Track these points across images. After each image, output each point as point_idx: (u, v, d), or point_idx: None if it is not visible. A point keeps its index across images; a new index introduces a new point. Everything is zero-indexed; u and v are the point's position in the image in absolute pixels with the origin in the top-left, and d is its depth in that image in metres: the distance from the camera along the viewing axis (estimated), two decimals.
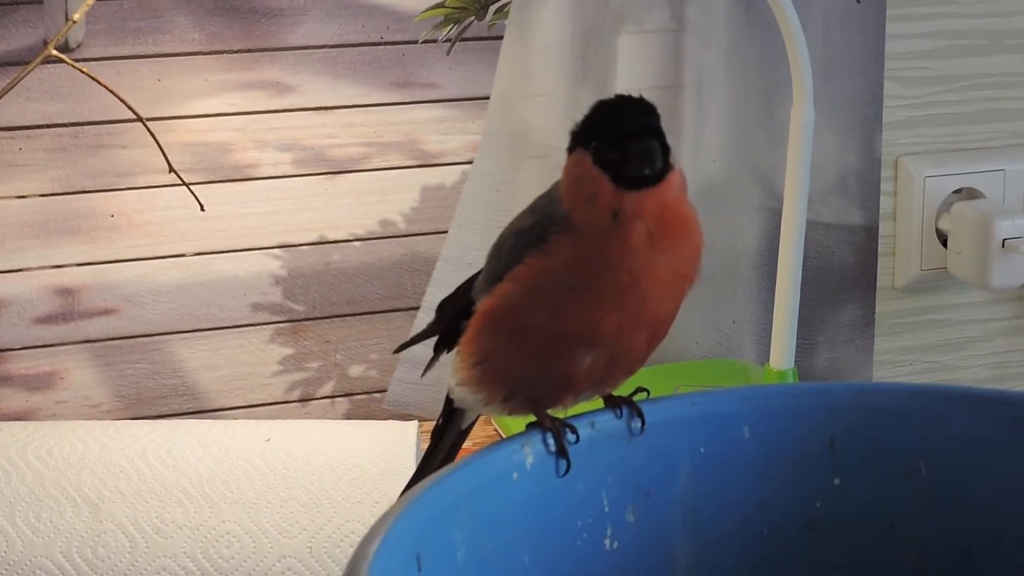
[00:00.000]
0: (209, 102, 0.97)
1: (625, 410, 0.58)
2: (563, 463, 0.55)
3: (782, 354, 0.97)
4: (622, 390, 0.59)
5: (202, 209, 0.86)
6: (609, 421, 0.58)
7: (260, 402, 1.02)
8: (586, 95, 1.02)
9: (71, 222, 0.96)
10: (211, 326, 1.00)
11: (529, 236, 0.55)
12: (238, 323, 1.01)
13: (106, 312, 0.98)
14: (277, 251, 1.01)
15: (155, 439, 0.86)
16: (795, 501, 0.60)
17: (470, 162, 1.02)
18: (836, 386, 0.60)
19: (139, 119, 0.81)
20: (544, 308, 0.54)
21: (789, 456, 0.60)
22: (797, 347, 0.97)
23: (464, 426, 0.64)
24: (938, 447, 0.60)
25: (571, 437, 0.56)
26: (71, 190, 0.96)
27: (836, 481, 0.61)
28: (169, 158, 0.92)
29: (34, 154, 0.95)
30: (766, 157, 1.07)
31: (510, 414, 0.58)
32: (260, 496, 0.82)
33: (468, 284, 0.61)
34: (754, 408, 0.60)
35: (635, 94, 0.55)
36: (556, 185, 0.58)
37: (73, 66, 0.78)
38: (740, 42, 1.04)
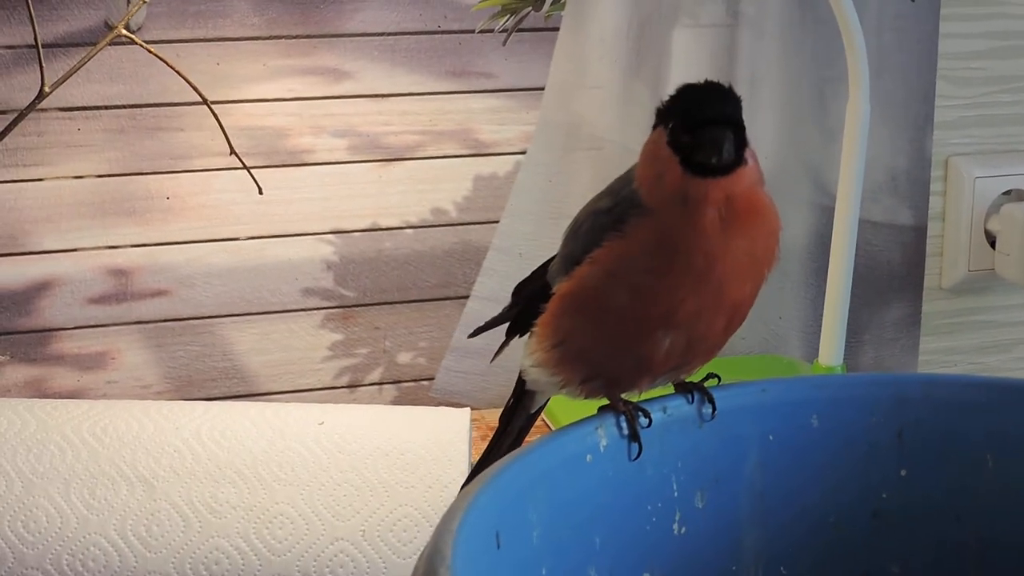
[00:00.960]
0: (267, 87, 0.98)
1: (696, 396, 0.58)
2: (635, 447, 0.56)
3: (831, 351, 0.97)
4: (692, 376, 0.59)
5: (260, 192, 0.87)
6: (681, 406, 0.58)
7: (309, 387, 1.03)
8: (640, 88, 1.02)
9: (127, 203, 0.97)
10: (262, 310, 1.01)
11: (608, 218, 0.56)
12: (289, 308, 1.01)
13: (159, 294, 0.99)
14: (329, 237, 1.01)
15: (208, 420, 0.86)
16: (862, 491, 0.60)
17: (523, 152, 1.02)
18: (906, 377, 0.60)
19: (204, 101, 0.81)
20: (624, 291, 0.54)
21: (857, 446, 0.60)
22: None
23: (534, 409, 0.64)
24: (1006, 440, 0.60)
25: (643, 421, 0.56)
26: (127, 171, 0.97)
27: (903, 472, 0.60)
28: (226, 142, 0.93)
29: (92, 135, 0.95)
30: (818, 153, 1.06)
31: (586, 397, 0.58)
32: (313, 479, 0.82)
33: (543, 268, 0.62)
34: (824, 397, 0.60)
35: (725, 83, 0.55)
36: (634, 167, 0.58)
37: (143, 46, 0.79)
38: (794, 37, 1.04)
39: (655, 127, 0.56)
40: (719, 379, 0.59)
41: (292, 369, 1.02)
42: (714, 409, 0.58)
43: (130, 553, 0.79)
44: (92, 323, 0.98)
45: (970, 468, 0.60)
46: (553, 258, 0.61)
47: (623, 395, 0.57)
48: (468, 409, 0.90)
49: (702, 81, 0.55)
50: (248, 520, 0.80)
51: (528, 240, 1.01)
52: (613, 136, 1.02)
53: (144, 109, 0.96)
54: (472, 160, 1.02)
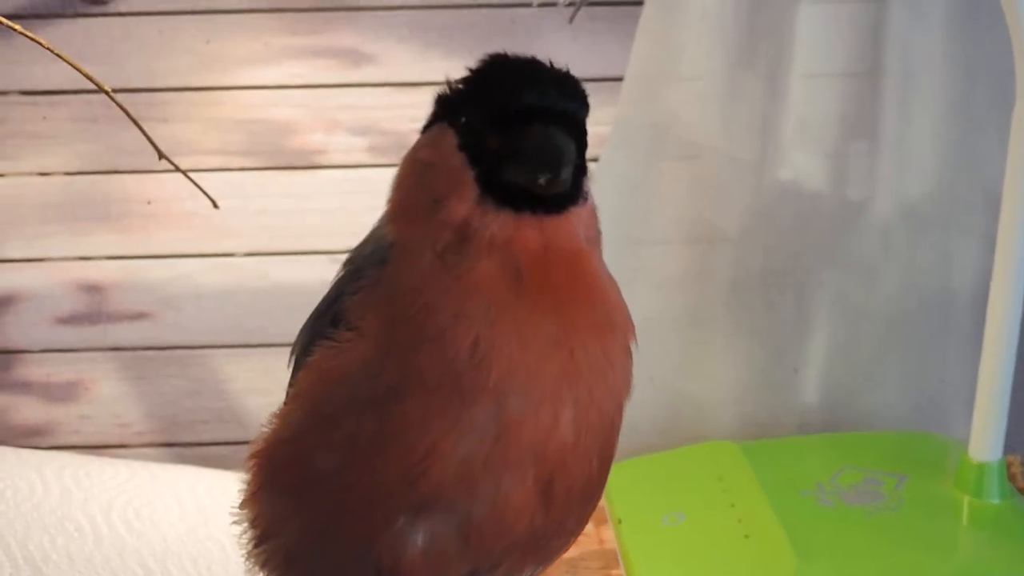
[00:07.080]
0: (268, 72, 0.82)
1: None
2: None
3: (987, 438, 0.76)
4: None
5: (215, 206, 0.69)
6: None
7: None
8: (752, 80, 0.83)
9: (100, 207, 0.83)
10: (263, 342, 0.84)
11: (325, 307, 0.34)
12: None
13: (139, 316, 0.83)
14: (345, 256, 0.82)
15: (128, 489, 0.70)
16: None
17: (595, 159, 0.82)
18: None
19: (101, 89, 0.64)
20: (336, 441, 0.32)
21: None
22: None
23: None
24: None
25: None
26: (101, 169, 0.82)
27: None
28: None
29: (60, 124, 0.81)
30: (996, 168, 0.81)
31: None
32: None
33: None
34: None
35: (563, 67, 0.33)
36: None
37: (11, 27, 0.62)
38: (964, 15, 0.80)
39: (428, 125, 0.34)
40: None
41: None
42: None
43: None
44: (62, 347, 0.83)
45: None
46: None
47: None
48: None
49: (513, 55, 0.33)
50: None
51: None
52: (714, 142, 0.83)
53: (122, 95, 0.79)
54: None
